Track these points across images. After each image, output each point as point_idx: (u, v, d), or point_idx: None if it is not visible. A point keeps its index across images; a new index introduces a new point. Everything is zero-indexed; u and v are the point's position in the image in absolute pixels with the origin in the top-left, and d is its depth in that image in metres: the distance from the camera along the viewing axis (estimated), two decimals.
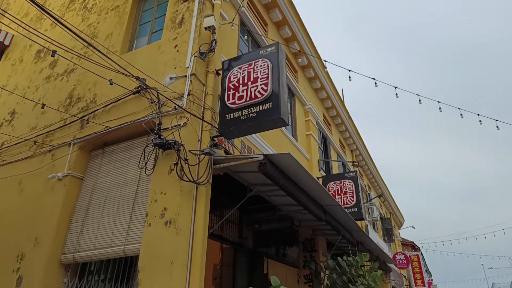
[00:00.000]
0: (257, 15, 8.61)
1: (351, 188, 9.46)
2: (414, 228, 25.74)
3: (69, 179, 5.59)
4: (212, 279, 10.49)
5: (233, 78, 5.30)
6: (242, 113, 5.02)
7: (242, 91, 5.10)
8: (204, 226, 4.49)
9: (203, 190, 4.62)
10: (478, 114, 7.37)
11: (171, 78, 5.42)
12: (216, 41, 5.65)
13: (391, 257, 16.50)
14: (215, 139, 5.24)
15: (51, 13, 4.04)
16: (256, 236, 10.76)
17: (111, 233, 4.83)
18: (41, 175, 5.86)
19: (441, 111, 7.12)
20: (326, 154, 13.01)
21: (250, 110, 4.95)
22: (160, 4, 6.94)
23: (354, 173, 9.87)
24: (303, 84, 11.10)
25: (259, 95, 4.91)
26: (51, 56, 3.88)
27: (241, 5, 6.94)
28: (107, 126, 5.51)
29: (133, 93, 5.41)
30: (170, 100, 5.03)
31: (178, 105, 4.92)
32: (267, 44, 7.49)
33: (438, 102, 7.31)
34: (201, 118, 5.09)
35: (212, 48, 5.60)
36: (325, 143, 13.19)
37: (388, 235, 20.20)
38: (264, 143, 7.37)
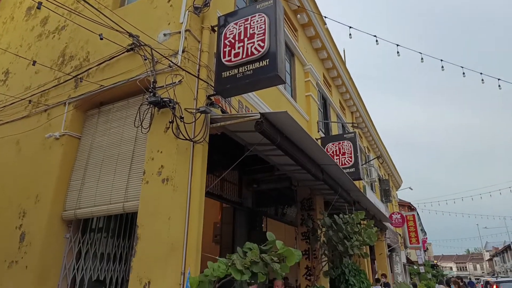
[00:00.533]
0: None
1: (350, 149, 9.50)
2: (412, 189, 26.27)
3: (66, 138, 5.59)
4: (212, 236, 10.85)
5: (229, 34, 5.12)
6: (238, 70, 4.90)
7: (238, 48, 4.95)
8: (201, 183, 4.55)
9: (200, 148, 4.62)
10: (481, 73, 7.22)
11: (165, 35, 5.25)
12: None
13: (387, 216, 16.94)
14: (212, 98, 5.17)
15: None
16: (255, 196, 10.97)
17: (110, 191, 4.91)
18: (38, 134, 5.86)
19: (443, 70, 6.96)
20: (326, 115, 12.94)
21: (247, 67, 4.84)
22: None
23: (353, 134, 9.86)
24: (303, 44, 10.79)
25: (255, 52, 4.77)
26: (37, 8, 3.72)
27: None
28: (101, 85, 5.42)
29: (127, 51, 5.27)
30: (164, 57, 4.90)
31: (172, 62, 4.80)
32: None
33: (441, 60, 7.13)
34: (197, 76, 4.99)
35: (207, 2, 5.37)
36: (324, 105, 13.08)
37: (386, 196, 20.59)
38: (263, 103, 7.29)
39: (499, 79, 7.30)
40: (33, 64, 5.65)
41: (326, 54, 12.32)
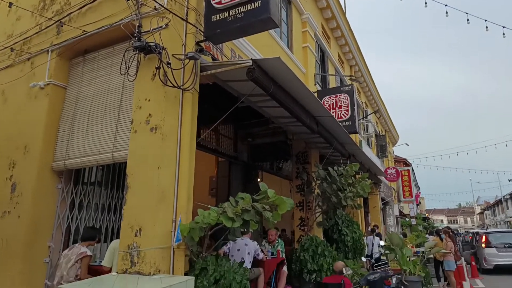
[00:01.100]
0: None
1: (347, 102, 9.31)
2: (408, 145, 26.26)
3: (51, 88, 5.39)
4: (209, 190, 10.98)
5: None
6: (229, 13, 4.60)
7: None
8: (192, 133, 4.43)
9: (189, 96, 4.45)
10: (486, 20, 6.86)
11: None
12: None
13: (382, 171, 17.15)
14: (201, 44, 4.90)
15: None
16: (251, 150, 10.96)
17: (99, 141, 4.81)
18: (23, 84, 5.65)
19: (447, 16, 6.60)
20: (323, 68, 12.59)
21: (238, 10, 4.53)
22: None
23: (350, 87, 9.63)
24: None
25: None
26: None
27: None
28: (84, 31, 5.12)
29: None
30: None
31: (159, 3, 4.49)
32: None
33: (446, 6, 6.74)
34: (185, 19, 4.68)
35: None
36: (322, 57, 12.67)
37: (382, 151, 20.72)
38: (257, 53, 6.99)
39: (503, 27, 6.96)
40: (9, 7, 5.30)
41: (325, 2, 11.72)
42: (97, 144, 4.82)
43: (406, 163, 33.38)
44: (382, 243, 9.87)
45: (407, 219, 23.43)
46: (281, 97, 5.54)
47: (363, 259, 8.56)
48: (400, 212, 27.34)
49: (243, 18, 4.48)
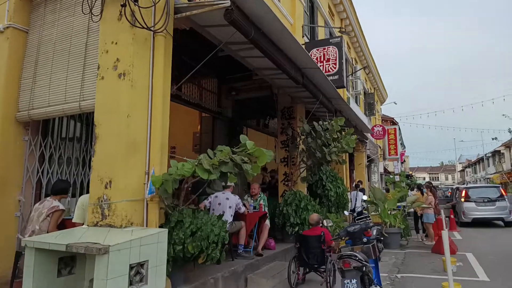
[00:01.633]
0: None
1: (335, 54, 8.94)
2: (396, 104, 26.29)
3: (11, 31, 4.90)
4: (192, 146, 10.78)
5: None
6: None
7: None
8: (165, 80, 4.11)
9: (161, 40, 4.08)
10: None
11: None
12: None
13: (369, 128, 17.13)
14: None
15: None
16: (236, 105, 10.65)
17: (65, 89, 4.45)
18: None
19: None
20: (312, 20, 12.00)
21: None
22: None
23: (339, 39, 9.21)
24: None
25: None
26: None
27: None
28: None
29: None
30: None
31: None
32: None
33: None
34: None
35: None
36: (311, 8, 12.03)
37: (370, 109, 20.60)
38: None
39: None
40: None
41: None
42: (63, 92, 4.46)
43: (393, 122, 33.59)
44: (365, 197, 10.00)
45: (391, 176, 23.94)
46: (264, 45, 5.18)
47: (346, 213, 8.67)
48: (385, 169, 27.91)
49: None
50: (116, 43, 3.96)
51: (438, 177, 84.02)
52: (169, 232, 3.84)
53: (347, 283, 3.41)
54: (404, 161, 42.98)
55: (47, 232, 3.96)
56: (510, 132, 26.43)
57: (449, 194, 17.10)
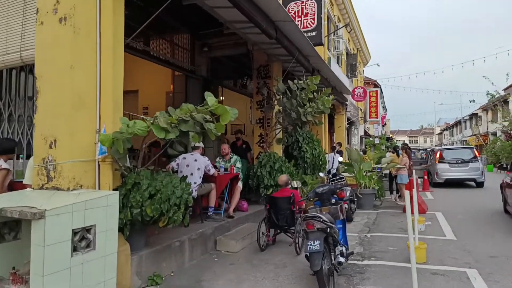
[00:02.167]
0: None
1: (313, 9, 8.45)
2: (379, 66, 25.93)
3: None
4: (165, 106, 10.32)
5: None
6: None
7: None
8: (116, 27, 3.66)
9: None
10: None
11: None
12: None
13: (350, 90, 16.90)
14: None
15: None
16: (211, 64, 10.14)
17: (5, 38, 3.95)
18: None
19: None
20: None
21: None
22: None
23: None
24: None
25: None
26: None
27: None
28: None
29: None
30: None
31: None
32: None
33: None
34: None
35: None
36: None
37: (352, 71, 20.24)
38: None
39: None
40: None
41: None
42: (3, 42, 3.97)
43: (375, 85, 33.43)
44: (341, 159, 9.97)
45: (371, 139, 24.14)
46: None
47: (321, 174, 8.62)
48: (365, 132, 28.11)
49: None
50: None
51: (417, 140, 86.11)
52: (125, 195, 3.61)
53: (310, 244, 3.29)
54: (385, 124, 43.45)
55: None
56: (487, 95, 26.71)
57: (424, 156, 17.41)
